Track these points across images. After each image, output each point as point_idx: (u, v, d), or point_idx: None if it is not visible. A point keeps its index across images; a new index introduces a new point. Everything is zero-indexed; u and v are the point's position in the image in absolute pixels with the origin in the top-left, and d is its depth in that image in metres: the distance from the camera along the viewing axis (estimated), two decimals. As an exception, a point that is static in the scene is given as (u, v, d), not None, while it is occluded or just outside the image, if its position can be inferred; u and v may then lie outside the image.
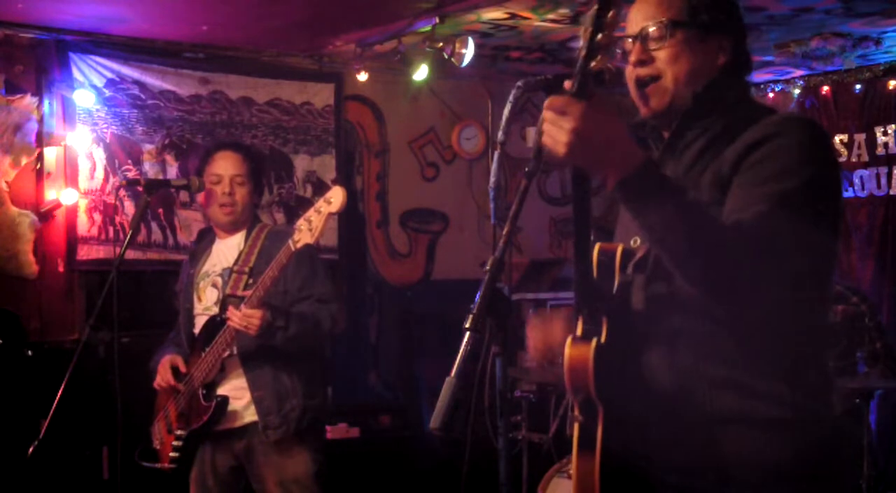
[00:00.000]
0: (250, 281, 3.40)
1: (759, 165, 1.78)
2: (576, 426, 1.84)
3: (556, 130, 1.63)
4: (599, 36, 1.62)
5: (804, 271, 1.76)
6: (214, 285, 3.53)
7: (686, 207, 1.68)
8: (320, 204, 3.11)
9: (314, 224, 3.09)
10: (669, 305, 1.83)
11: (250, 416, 3.42)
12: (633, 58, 1.93)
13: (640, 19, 1.94)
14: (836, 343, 4.55)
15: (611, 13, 1.62)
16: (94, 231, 5.33)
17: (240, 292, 3.39)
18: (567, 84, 1.67)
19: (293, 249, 3.14)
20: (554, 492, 4.57)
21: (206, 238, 3.70)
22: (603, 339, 1.81)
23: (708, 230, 1.68)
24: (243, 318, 3.23)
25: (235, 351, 3.39)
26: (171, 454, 3.44)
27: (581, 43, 1.67)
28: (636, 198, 1.68)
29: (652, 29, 1.92)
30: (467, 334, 1.65)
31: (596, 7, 1.64)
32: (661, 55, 1.92)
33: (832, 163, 1.87)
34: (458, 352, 1.66)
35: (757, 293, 1.72)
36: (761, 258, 1.69)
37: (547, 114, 1.64)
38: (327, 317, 3.43)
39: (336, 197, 3.08)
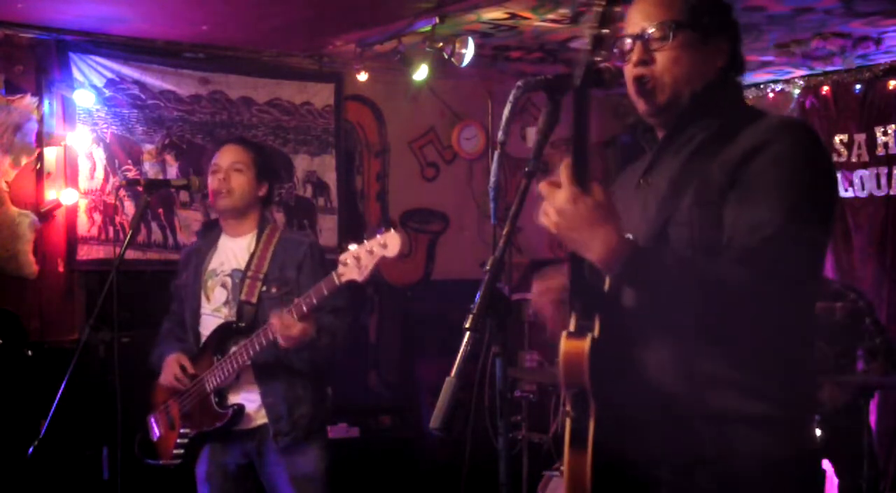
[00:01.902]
0: (264, 288, 3.39)
1: (759, 177, 1.80)
2: (567, 421, 1.84)
3: (548, 209, 1.75)
4: (604, 30, 1.65)
5: (807, 279, 1.81)
6: (223, 286, 3.51)
7: (682, 277, 1.75)
8: (373, 245, 3.03)
9: (363, 263, 3.02)
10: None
11: (261, 418, 3.42)
12: (633, 57, 1.94)
13: (639, 19, 1.95)
14: (834, 344, 4.57)
15: (617, 8, 1.69)
16: (94, 231, 5.34)
17: (254, 300, 3.38)
18: (563, 168, 1.73)
19: (337, 283, 3.08)
20: (554, 492, 4.57)
21: (211, 233, 3.64)
22: (596, 335, 1.82)
23: (712, 285, 1.75)
24: (284, 327, 3.15)
25: (250, 361, 3.36)
26: (175, 451, 3.44)
27: (585, 39, 1.70)
28: (630, 284, 1.82)
29: (653, 29, 1.92)
30: (467, 334, 1.66)
31: (604, 2, 1.67)
32: (662, 56, 1.93)
33: (828, 168, 1.91)
34: (458, 352, 1.66)
35: (767, 309, 1.78)
36: (771, 282, 1.74)
37: (543, 195, 1.75)
38: (343, 329, 3.41)
39: (392, 243, 3.01)
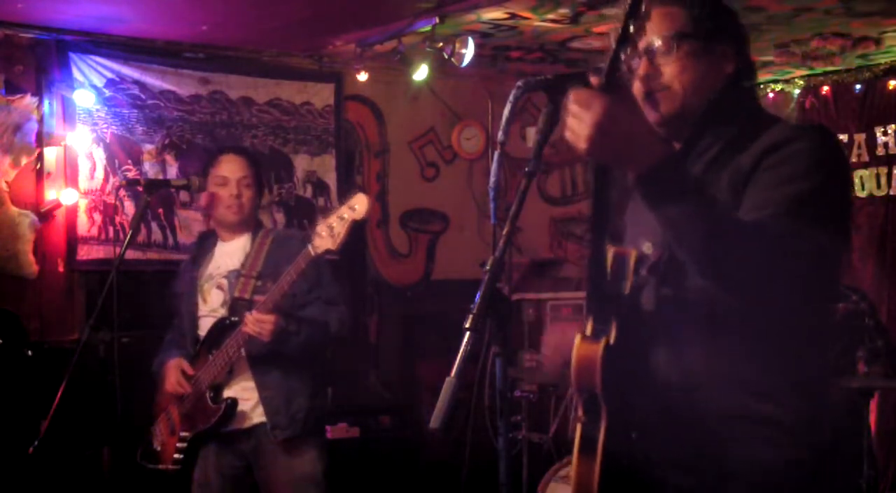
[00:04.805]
0: (259, 284, 3.41)
1: (775, 168, 1.79)
2: (578, 426, 1.84)
3: (577, 123, 1.63)
4: (631, 27, 1.63)
5: (813, 271, 1.76)
6: (220, 287, 3.53)
7: (706, 203, 1.69)
8: (343, 210, 3.10)
9: (336, 230, 3.08)
10: (679, 306, 1.83)
11: (258, 417, 3.42)
12: (640, 71, 1.94)
13: (645, 34, 1.95)
14: (835, 345, 4.56)
15: (644, 4, 1.64)
16: (94, 231, 5.33)
17: (248, 296, 3.40)
18: (593, 80, 1.65)
19: (312, 254, 3.13)
20: None
21: (207, 241, 3.69)
22: (612, 339, 1.81)
23: (726, 227, 1.69)
24: (256, 323, 3.24)
25: (244, 353, 3.39)
26: (175, 456, 3.44)
27: (612, 35, 1.69)
28: (657, 193, 1.68)
29: (658, 43, 1.93)
30: (467, 334, 1.65)
31: None
32: (668, 69, 1.93)
33: (844, 170, 1.92)
34: (458, 352, 1.66)
35: (767, 289, 1.73)
36: (774, 256, 1.70)
37: (571, 107, 1.63)
38: (335, 319, 3.45)
39: (360, 204, 3.08)
